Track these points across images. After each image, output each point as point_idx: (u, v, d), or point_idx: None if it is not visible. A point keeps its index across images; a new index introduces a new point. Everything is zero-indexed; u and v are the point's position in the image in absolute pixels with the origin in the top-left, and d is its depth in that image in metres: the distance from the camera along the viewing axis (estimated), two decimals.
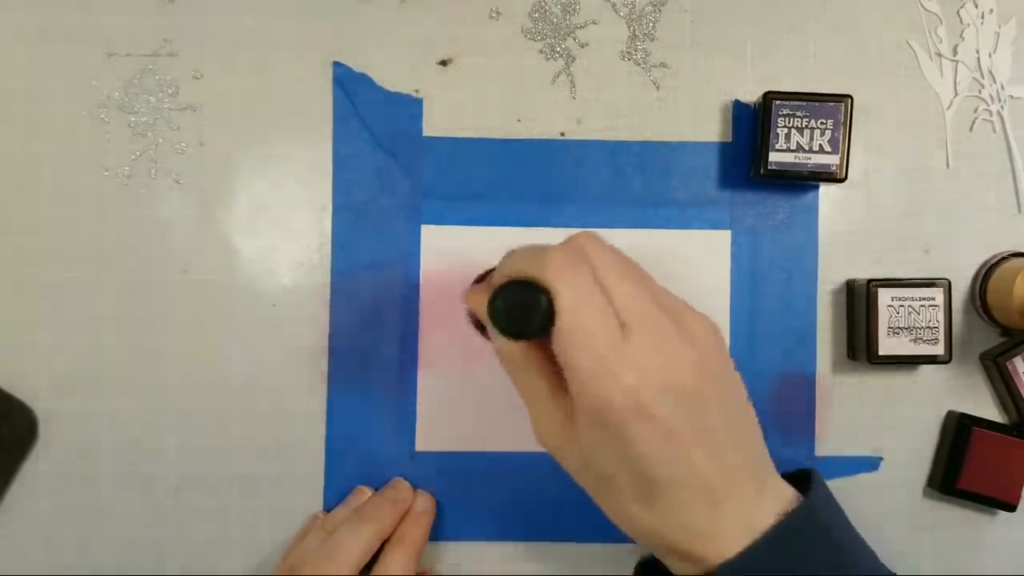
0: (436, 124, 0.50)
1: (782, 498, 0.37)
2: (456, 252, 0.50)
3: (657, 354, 0.35)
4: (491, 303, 0.36)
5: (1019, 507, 0.49)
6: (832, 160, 0.48)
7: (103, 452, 0.49)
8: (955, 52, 0.51)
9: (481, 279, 0.46)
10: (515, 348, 0.38)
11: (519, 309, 0.35)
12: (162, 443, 0.49)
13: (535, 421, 0.39)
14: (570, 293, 0.35)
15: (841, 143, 0.48)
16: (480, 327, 0.44)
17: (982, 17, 0.51)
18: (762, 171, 0.48)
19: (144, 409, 0.49)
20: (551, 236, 0.50)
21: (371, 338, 0.50)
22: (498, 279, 0.38)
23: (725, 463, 0.36)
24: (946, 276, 0.49)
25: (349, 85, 0.50)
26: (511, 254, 0.39)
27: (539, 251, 0.36)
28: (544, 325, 0.35)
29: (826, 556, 0.36)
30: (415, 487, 0.50)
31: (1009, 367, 0.49)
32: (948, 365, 0.49)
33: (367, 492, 0.49)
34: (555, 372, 0.37)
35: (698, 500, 0.35)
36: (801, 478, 0.40)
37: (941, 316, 0.48)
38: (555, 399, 0.37)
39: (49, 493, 0.49)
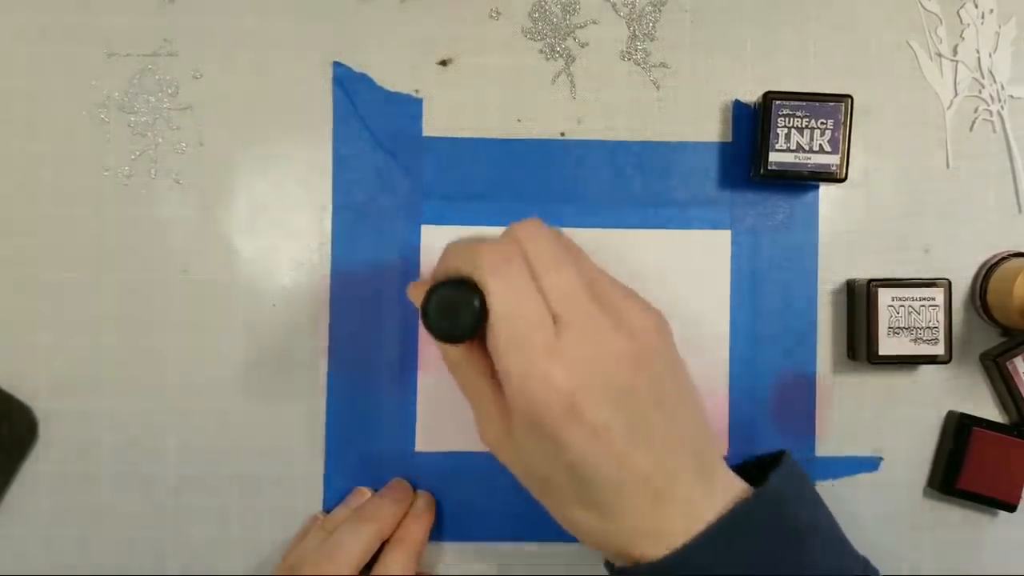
0: (436, 124, 0.50)
1: (731, 492, 0.36)
2: None
3: (589, 350, 0.33)
4: (424, 306, 0.35)
5: (1019, 507, 0.49)
6: (832, 160, 0.48)
7: (103, 452, 0.49)
8: (955, 52, 0.51)
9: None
10: (455, 349, 0.37)
11: (452, 311, 0.34)
12: (162, 443, 0.49)
13: (478, 423, 0.38)
14: (501, 292, 0.34)
15: (841, 143, 0.48)
16: None
17: (982, 17, 0.51)
18: (762, 171, 0.48)
19: (144, 409, 0.49)
20: None
21: (371, 338, 0.50)
22: (434, 278, 0.37)
23: (665, 461, 0.35)
24: (946, 276, 0.49)
25: (349, 85, 0.50)
26: (448, 250, 0.38)
27: (472, 247, 0.35)
28: (476, 327, 0.34)
29: (778, 548, 0.35)
30: (415, 487, 0.50)
31: (1009, 367, 0.49)
32: (948, 365, 0.49)
33: (367, 492, 0.49)
34: (496, 373, 0.36)
35: (639, 501, 0.34)
36: (775, 461, 0.39)
37: (941, 316, 0.48)
38: (497, 401, 0.36)
39: (49, 493, 0.49)
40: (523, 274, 0.34)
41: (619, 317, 0.35)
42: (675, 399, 0.36)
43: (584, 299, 0.34)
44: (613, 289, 0.36)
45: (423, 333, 0.50)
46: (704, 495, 0.35)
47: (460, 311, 0.34)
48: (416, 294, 0.40)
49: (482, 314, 0.34)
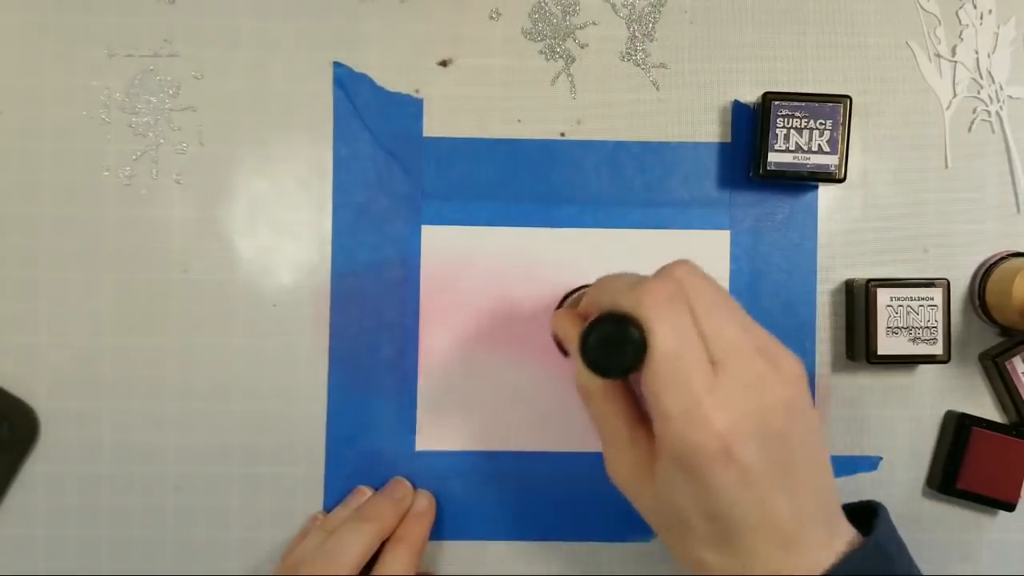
0: (436, 124, 0.50)
1: (846, 538, 0.37)
2: (456, 252, 0.50)
3: (749, 396, 0.34)
4: (584, 338, 0.34)
5: (1019, 507, 0.49)
6: (831, 160, 0.48)
7: (103, 452, 0.49)
8: (954, 53, 0.51)
9: (566, 298, 0.45)
10: (599, 383, 0.37)
11: (611, 345, 0.34)
12: (162, 443, 0.49)
13: (608, 457, 0.38)
14: (665, 332, 0.33)
15: (840, 143, 0.48)
16: (562, 347, 0.43)
17: (981, 18, 0.51)
18: (761, 171, 0.48)
19: (144, 409, 0.49)
20: (551, 236, 0.50)
21: (371, 338, 0.50)
22: (590, 307, 0.37)
23: (801, 507, 0.35)
24: (945, 276, 0.49)
25: (349, 85, 0.50)
26: (604, 283, 0.38)
27: (635, 284, 0.35)
28: (635, 364, 0.34)
29: None
30: (415, 487, 0.50)
31: (1008, 367, 0.49)
32: (947, 365, 0.49)
33: (367, 492, 0.49)
34: (634, 408, 0.36)
35: (772, 544, 0.35)
36: (866, 509, 0.39)
37: (940, 316, 0.48)
38: (633, 436, 0.37)
39: (49, 493, 0.49)
40: (686, 315, 0.34)
41: (774, 364, 0.35)
42: (813, 446, 0.37)
43: (744, 344, 0.35)
44: (764, 336, 0.36)
45: (423, 333, 0.50)
46: (827, 541, 0.36)
47: (621, 348, 0.34)
48: (563, 324, 0.40)
49: (641, 351, 0.34)
